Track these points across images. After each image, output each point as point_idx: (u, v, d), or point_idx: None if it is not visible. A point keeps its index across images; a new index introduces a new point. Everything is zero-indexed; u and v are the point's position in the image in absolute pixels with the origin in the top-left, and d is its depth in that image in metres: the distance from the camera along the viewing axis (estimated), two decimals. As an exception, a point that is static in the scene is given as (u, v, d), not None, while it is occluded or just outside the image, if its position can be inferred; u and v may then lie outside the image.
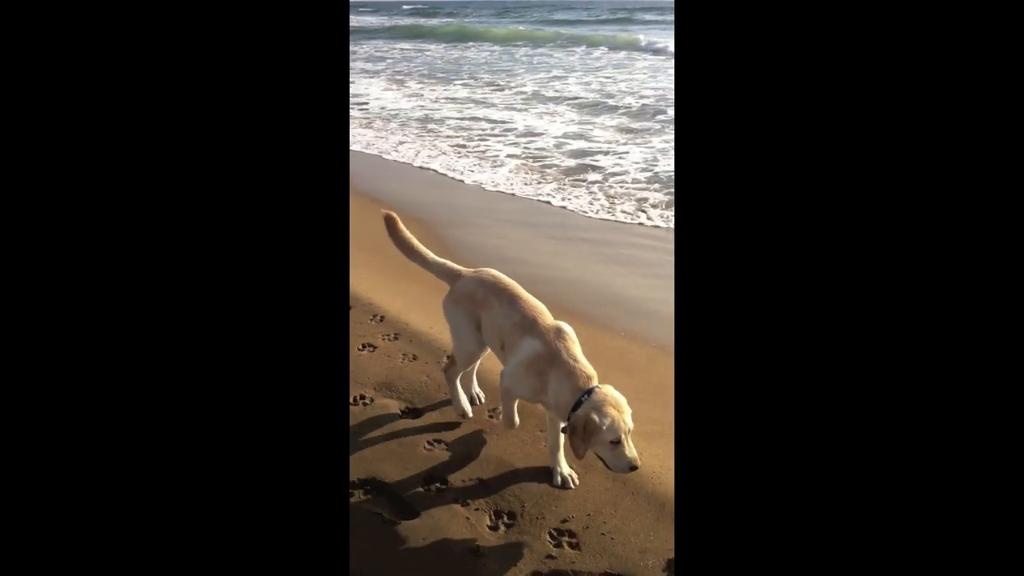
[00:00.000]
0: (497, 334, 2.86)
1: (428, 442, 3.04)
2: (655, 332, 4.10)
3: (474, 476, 2.83)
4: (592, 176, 7.62)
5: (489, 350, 3.03)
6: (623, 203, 6.64)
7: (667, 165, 7.78)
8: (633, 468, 2.48)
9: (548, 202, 6.89)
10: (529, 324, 2.75)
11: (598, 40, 22.94)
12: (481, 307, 2.91)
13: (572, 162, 8.19)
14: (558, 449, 2.81)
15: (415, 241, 3.13)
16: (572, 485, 2.77)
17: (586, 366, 2.63)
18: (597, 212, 6.50)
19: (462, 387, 3.22)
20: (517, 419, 3.01)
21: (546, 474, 2.84)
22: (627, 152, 8.49)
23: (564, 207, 6.71)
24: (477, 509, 2.66)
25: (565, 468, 2.81)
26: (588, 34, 25.12)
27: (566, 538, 2.54)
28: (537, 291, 2.98)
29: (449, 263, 3.12)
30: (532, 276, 4.31)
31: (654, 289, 4.77)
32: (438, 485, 2.78)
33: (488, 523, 2.61)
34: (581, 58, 19.26)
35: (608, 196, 6.90)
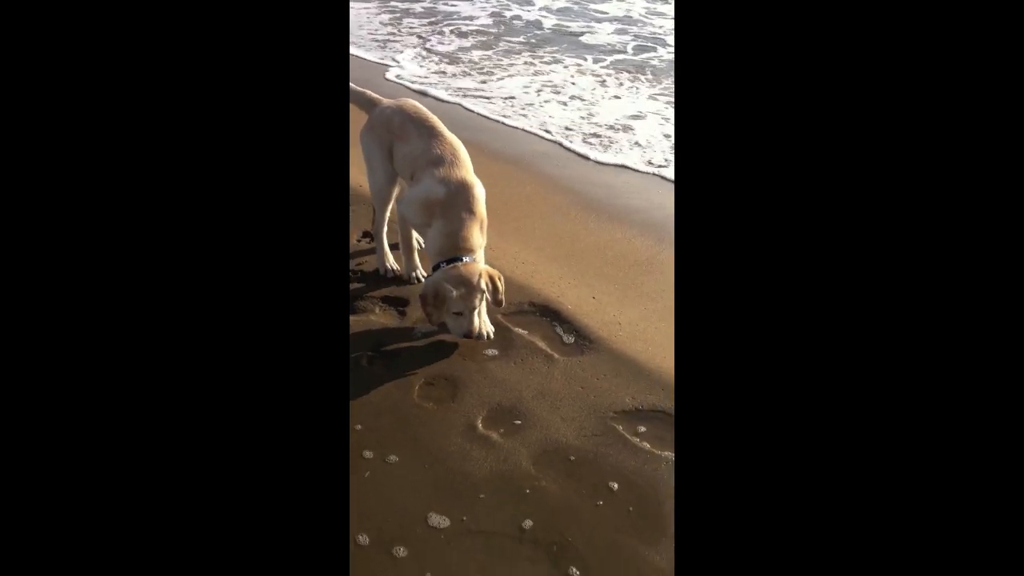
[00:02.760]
0: (411, 164, 2.79)
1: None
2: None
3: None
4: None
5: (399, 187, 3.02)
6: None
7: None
8: (467, 335, 2.61)
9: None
10: (444, 167, 2.70)
11: None
12: (397, 136, 2.84)
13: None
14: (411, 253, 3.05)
15: None
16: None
17: (469, 237, 2.61)
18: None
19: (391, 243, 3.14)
20: (419, 265, 3.00)
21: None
22: None
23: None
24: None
25: (419, 270, 3.04)
26: None
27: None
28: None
29: (368, 92, 3.05)
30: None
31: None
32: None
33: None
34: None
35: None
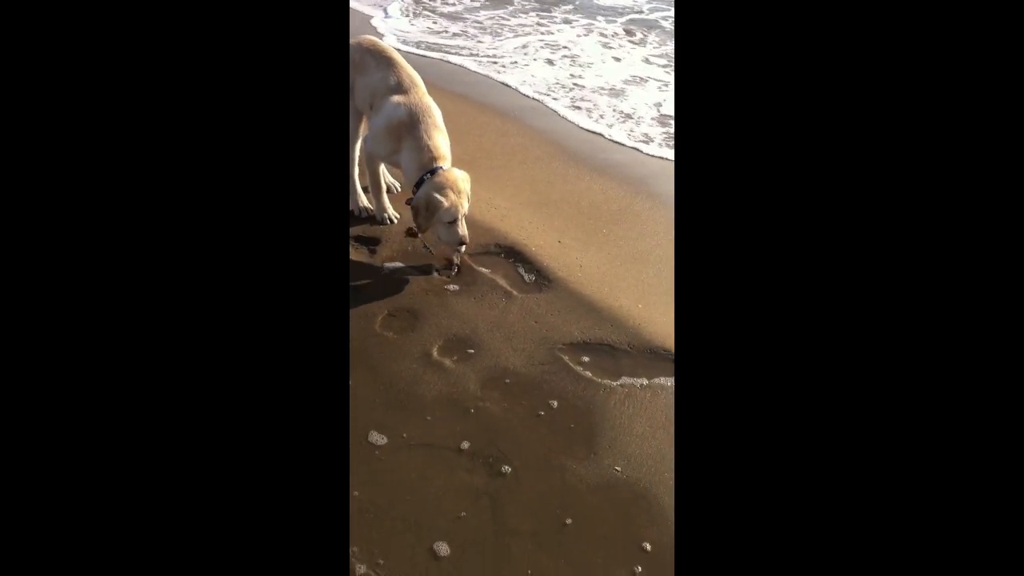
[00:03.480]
0: (370, 94, 2.97)
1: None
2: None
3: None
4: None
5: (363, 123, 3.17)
6: None
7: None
8: (462, 244, 2.77)
9: None
10: (402, 92, 2.90)
11: None
12: (356, 69, 3.01)
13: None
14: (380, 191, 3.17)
15: None
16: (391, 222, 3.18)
17: (438, 146, 2.81)
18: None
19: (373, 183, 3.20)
20: (389, 206, 3.15)
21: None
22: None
23: None
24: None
25: (390, 210, 3.19)
26: None
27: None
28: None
29: None
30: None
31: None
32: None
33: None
34: None
35: None
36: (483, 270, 2.94)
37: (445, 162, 2.83)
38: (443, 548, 1.83)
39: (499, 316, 2.68)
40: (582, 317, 2.67)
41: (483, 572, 1.78)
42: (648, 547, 1.85)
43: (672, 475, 2.04)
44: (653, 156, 4.20)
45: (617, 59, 5.87)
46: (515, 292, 2.81)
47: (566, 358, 2.48)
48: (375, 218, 3.21)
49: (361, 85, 3.03)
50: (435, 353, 2.49)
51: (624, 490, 2.00)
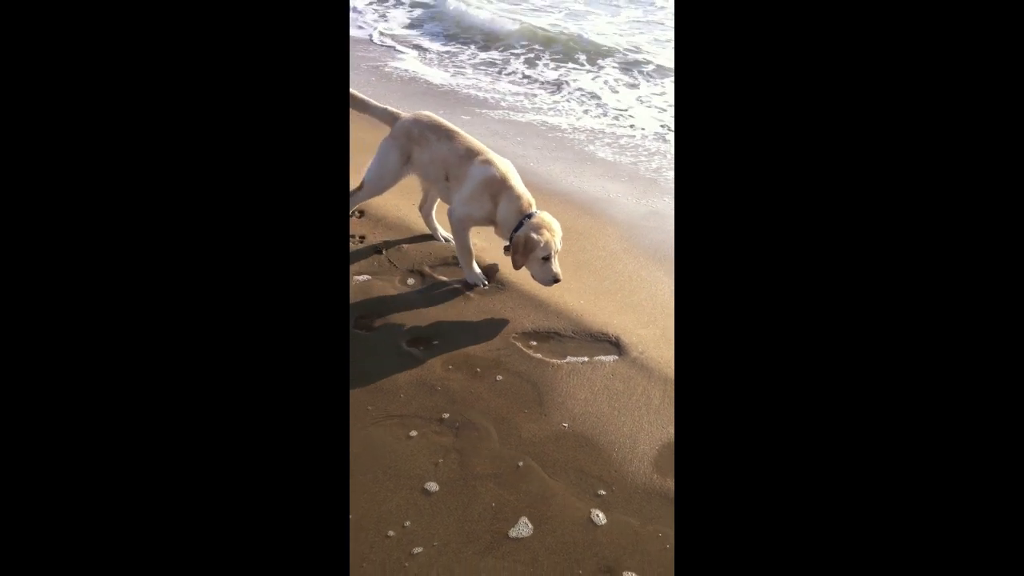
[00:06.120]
0: (441, 166, 3.17)
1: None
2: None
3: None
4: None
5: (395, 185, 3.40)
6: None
7: None
8: (556, 281, 2.97)
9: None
10: (476, 155, 3.12)
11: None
12: (416, 143, 3.20)
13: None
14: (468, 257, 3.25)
15: (355, 91, 3.36)
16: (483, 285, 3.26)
17: (527, 194, 3.07)
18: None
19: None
20: (475, 262, 3.26)
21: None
22: None
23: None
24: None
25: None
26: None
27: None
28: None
29: (390, 108, 3.36)
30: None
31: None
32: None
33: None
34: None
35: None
36: (443, 278, 3.32)
37: (534, 208, 3.09)
38: (432, 486, 2.16)
39: (459, 314, 3.05)
40: (532, 312, 3.06)
41: (458, 507, 2.11)
42: (602, 492, 2.21)
43: (612, 428, 2.41)
44: (597, 183, 4.68)
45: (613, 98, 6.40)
46: (472, 295, 3.19)
47: (519, 344, 2.86)
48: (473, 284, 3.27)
49: (427, 159, 3.22)
50: (404, 345, 2.83)
51: (571, 440, 2.36)
